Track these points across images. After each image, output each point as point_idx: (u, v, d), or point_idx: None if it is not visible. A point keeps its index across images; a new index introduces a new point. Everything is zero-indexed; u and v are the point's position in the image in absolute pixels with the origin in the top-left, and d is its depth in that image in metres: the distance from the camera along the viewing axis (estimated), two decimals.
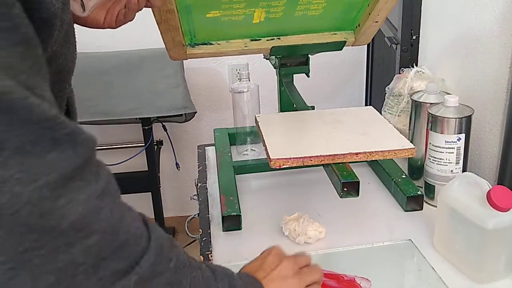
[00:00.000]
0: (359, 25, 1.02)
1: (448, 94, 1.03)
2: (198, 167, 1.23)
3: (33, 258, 0.39)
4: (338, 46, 1.07)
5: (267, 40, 1.00)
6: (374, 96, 1.94)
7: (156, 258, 0.47)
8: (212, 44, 1.00)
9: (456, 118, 0.93)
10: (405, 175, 1.05)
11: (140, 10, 0.78)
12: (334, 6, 0.94)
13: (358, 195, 0.79)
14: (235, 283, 0.57)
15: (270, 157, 0.83)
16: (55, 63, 0.51)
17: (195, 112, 1.99)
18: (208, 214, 1.01)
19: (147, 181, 2.08)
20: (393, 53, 1.52)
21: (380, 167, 1.09)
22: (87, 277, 0.42)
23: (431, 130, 0.96)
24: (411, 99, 1.07)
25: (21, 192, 0.38)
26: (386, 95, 1.28)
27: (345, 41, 1.06)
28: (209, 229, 0.96)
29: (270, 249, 0.67)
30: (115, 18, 0.78)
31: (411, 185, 1.01)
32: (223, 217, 0.94)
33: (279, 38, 1.01)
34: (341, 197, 0.79)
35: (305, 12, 0.93)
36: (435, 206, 0.93)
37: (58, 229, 0.40)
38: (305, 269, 0.68)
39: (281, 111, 1.18)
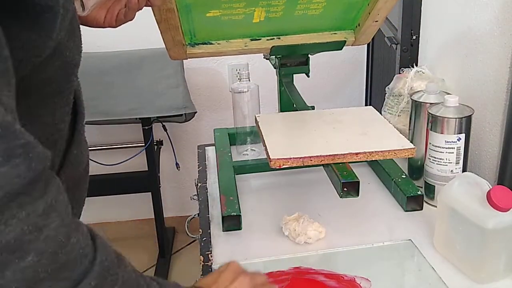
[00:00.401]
0: (359, 25, 1.02)
1: (448, 94, 1.03)
2: (198, 167, 1.23)
3: None
4: (338, 45, 1.07)
5: (267, 39, 1.00)
6: (374, 96, 1.94)
7: (99, 281, 0.43)
8: (212, 43, 1.00)
9: (456, 118, 0.93)
10: (405, 175, 1.05)
11: (140, 9, 0.78)
12: (334, 6, 0.94)
13: (358, 195, 0.79)
14: None
15: (270, 157, 0.83)
16: (61, 56, 0.51)
17: (195, 112, 1.99)
18: (208, 214, 1.01)
19: (147, 181, 2.08)
20: (393, 53, 1.52)
21: (380, 167, 1.09)
22: None
23: (431, 130, 0.96)
24: (411, 99, 1.07)
25: None
26: (386, 95, 1.28)
27: (345, 41, 1.06)
28: (209, 229, 0.96)
29: (227, 264, 0.66)
30: (115, 18, 0.78)
31: (411, 185, 1.01)
32: (223, 217, 0.94)
33: (279, 38, 1.02)
34: (341, 197, 0.79)
35: (305, 12, 0.93)
36: (435, 206, 0.93)
37: None
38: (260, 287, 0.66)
39: (281, 111, 1.18)
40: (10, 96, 0.41)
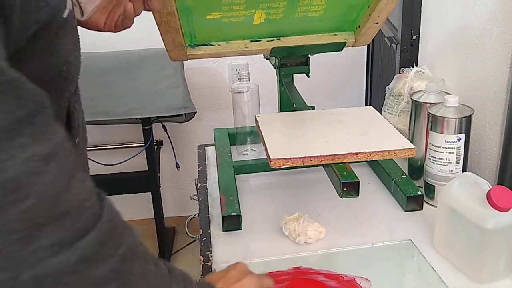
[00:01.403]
0: (359, 26, 1.01)
1: (448, 94, 1.03)
2: (198, 167, 1.23)
3: None
4: (338, 47, 1.06)
5: (267, 41, 1.00)
6: (374, 96, 1.94)
7: (103, 240, 0.43)
8: (212, 45, 1.00)
9: (456, 118, 0.93)
10: (405, 175, 1.05)
11: (138, 15, 0.78)
12: (334, 8, 0.93)
13: (358, 195, 0.79)
14: (191, 287, 0.55)
15: (270, 157, 0.83)
16: (61, 73, 0.50)
17: (195, 112, 1.99)
18: (208, 214, 1.01)
19: (147, 181, 2.08)
20: (393, 53, 1.52)
21: (380, 167, 1.09)
22: (22, 246, 0.38)
23: (431, 130, 0.96)
24: (411, 99, 1.07)
25: None
26: (386, 95, 1.28)
27: (345, 42, 1.06)
28: (209, 229, 0.96)
29: (234, 264, 0.66)
30: (114, 23, 0.78)
31: (411, 185, 1.01)
32: (223, 217, 0.94)
33: (279, 39, 1.01)
34: (341, 197, 0.79)
35: (305, 14, 0.92)
36: (435, 206, 0.93)
37: None
38: None
39: (281, 111, 1.18)
40: None
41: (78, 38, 0.56)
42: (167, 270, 0.52)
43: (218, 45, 1.01)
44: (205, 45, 1.01)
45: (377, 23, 0.95)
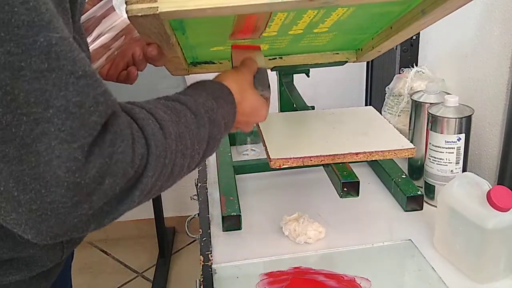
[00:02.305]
0: (361, 49, 1.02)
1: (448, 94, 1.03)
2: (198, 167, 1.24)
3: None
4: (340, 64, 1.06)
5: (270, 59, 1.00)
6: (374, 96, 1.94)
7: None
8: (214, 63, 1.00)
9: (456, 118, 0.93)
10: (405, 175, 1.05)
11: (141, 71, 0.78)
12: (338, 39, 0.93)
13: (358, 195, 0.79)
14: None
15: (270, 157, 0.83)
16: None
17: None
18: (208, 214, 1.01)
19: None
20: (393, 53, 1.52)
21: (380, 167, 1.09)
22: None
23: (431, 130, 0.96)
24: (411, 99, 1.07)
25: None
26: (386, 95, 1.29)
27: (347, 61, 1.06)
28: (209, 229, 0.96)
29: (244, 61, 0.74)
30: (117, 74, 0.78)
31: (411, 185, 1.01)
32: (223, 217, 0.94)
33: (281, 58, 1.01)
34: (341, 197, 0.79)
35: (309, 43, 0.92)
36: (435, 206, 0.93)
37: None
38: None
39: (281, 111, 1.18)
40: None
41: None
42: (193, 116, 0.58)
43: (220, 63, 1.00)
44: (207, 63, 1.00)
45: (379, 51, 0.95)
